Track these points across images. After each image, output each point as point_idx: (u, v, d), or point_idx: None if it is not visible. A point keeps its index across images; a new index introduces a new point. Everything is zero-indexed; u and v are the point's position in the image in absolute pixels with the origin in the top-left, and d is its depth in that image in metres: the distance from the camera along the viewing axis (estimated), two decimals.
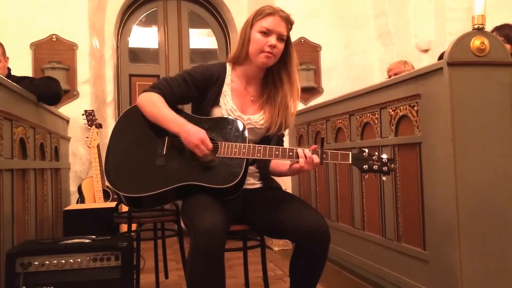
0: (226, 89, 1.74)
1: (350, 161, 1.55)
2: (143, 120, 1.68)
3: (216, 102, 1.72)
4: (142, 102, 1.67)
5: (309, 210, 1.56)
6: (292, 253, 1.62)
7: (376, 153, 1.57)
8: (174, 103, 1.70)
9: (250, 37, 1.69)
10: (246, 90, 1.77)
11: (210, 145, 1.56)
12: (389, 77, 3.30)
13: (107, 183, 1.63)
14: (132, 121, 1.70)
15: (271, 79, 1.78)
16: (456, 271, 1.74)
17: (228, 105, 1.72)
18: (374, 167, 1.55)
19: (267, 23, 1.67)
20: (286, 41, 1.73)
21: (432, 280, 1.92)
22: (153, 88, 1.69)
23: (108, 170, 1.64)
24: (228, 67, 1.78)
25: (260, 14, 1.69)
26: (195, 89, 1.71)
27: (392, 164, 1.56)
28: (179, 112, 1.72)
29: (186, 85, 1.70)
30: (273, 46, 1.66)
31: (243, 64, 1.75)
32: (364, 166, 1.55)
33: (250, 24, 1.70)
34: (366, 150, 1.57)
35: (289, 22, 1.72)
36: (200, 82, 1.71)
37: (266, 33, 1.66)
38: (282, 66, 1.75)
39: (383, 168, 1.55)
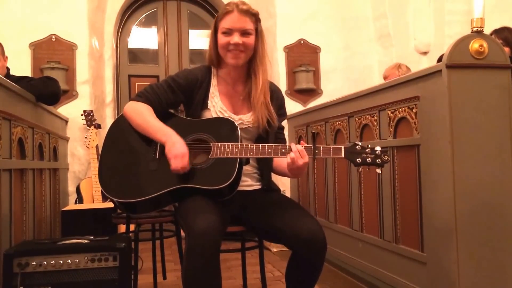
0: (214, 91, 1.74)
1: (343, 155, 1.53)
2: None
3: (204, 105, 1.72)
4: (128, 113, 1.68)
5: (306, 217, 1.54)
6: (288, 259, 1.62)
7: (369, 146, 1.55)
8: (162, 110, 1.70)
9: (216, 40, 1.69)
10: (234, 90, 1.76)
11: (187, 163, 1.54)
12: None
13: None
14: (124, 127, 1.70)
15: (249, 75, 1.76)
16: (454, 273, 1.74)
17: (217, 106, 1.72)
18: (367, 159, 1.53)
19: (226, 23, 1.66)
20: (257, 33, 1.70)
21: (430, 282, 1.92)
22: (139, 97, 1.69)
23: (102, 177, 1.65)
24: (213, 68, 1.78)
25: (220, 14, 1.69)
26: (181, 94, 1.72)
27: (386, 156, 1.53)
28: (171, 116, 1.72)
29: (171, 90, 1.70)
30: (236, 44, 1.64)
31: (221, 66, 1.75)
32: (357, 160, 1.53)
33: (214, 27, 1.70)
34: (360, 143, 1.55)
35: (251, 14, 1.67)
36: (184, 86, 1.71)
37: (228, 33, 1.65)
38: (253, 60, 1.73)
39: (377, 161, 1.53)
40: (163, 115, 1.70)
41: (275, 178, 1.87)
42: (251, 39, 1.68)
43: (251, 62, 1.72)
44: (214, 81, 1.75)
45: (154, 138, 1.63)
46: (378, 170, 1.55)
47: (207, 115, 1.72)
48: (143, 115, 1.65)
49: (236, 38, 1.64)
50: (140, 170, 1.62)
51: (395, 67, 3.39)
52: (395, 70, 3.35)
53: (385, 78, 3.40)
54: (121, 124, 1.72)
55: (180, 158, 1.53)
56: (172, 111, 1.78)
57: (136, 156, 1.65)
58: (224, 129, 1.63)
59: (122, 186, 1.62)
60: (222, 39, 1.67)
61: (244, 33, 1.66)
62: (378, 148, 1.54)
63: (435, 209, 1.88)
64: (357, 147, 1.54)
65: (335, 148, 1.54)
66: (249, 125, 1.73)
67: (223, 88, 1.76)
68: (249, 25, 1.67)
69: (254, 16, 1.69)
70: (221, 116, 1.70)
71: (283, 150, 1.56)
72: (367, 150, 1.54)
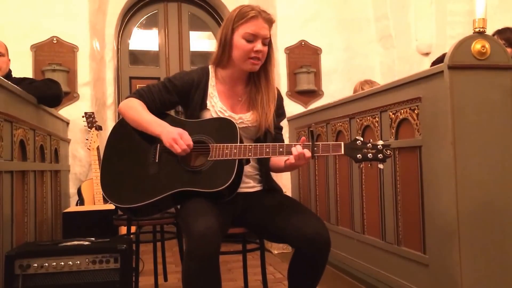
0: (212, 91, 1.73)
1: (343, 152, 1.48)
2: (133, 130, 1.69)
3: (203, 106, 1.72)
4: (123, 109, 1.70)
5: (310, 216, 1.54)
6: (291, 258, 1.61)
7: (371, 140, 1.49)
8: (155, 108, 1.70)
9: (232, 42, 1.65)
10: (233, 91, 1.76)
11: (189, 141, 1.55)
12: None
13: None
14: (123, 133, 1.71)
15: (252, 78, 1.76)
16: (456, 275, 1.73)
17: (217, 106, 1.71)
18: (368, 155, 1.46)
19: (251, 28, 1.62)
20: (271, 40, 1.70)
21: (432, 284, 1.91)
22: (133, 94, 1.72)
23: (104, 183, 1.65)
24: (211, 69, 1.77)
25: (242, 17, 1.63)
26: (176, 95, 1.72)
27: (388, 151, 1.47)
28: (171, 117, 1.73)
29: (166, 90, 1.71)
30: (258, 51, 1.63)
31: (227, 67, 1.73)
32: (357, 156, 1.47)
33: (231, 28, 1.65)
34: (360, 138, 1.50)
35: (271, 23, 1.67)
36: (180, 87, 1.71)
37: (251, 40, 1.62)
38: (266, 66, 1.73)
39: (378, 156, 1.46)
40: (163, 117, 1.70)
41: (276, 179, 1.87)
42: (267, 48, 1.68)
43: (260, 67, 1.71)
44: (212, 82, 1.75)
45: (148, 131, 1.64)
46: (381, 166, 1.49)
47: (207, 115, 1.71)
48: (136, 110, 1.67)
49: (259, 46, 1.63)
50: (140, 175, 1.62)
51: (359, 84, 3.26)
52: (358, 87, 3.23)
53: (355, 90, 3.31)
54: (120, 130, 1.74)
55: (179, 139, 1.54)
56: (172, 113, 1.79)
57: (136, 161, 1.65)
58: (223, 129, 1.62)
59: (123, 192, 1.62)
60: (243, 44, 1.63)
61: (265, 41, 1.66)
62: (379, 143, 1.49)
63: (437, 210, 1.87)
64: (357, 142, 1.49)
65: (335, 144, 1.50)
66: (249, 124, 1.73)
67: (222, 88, 1.75)
68: (269, 33, 1.66)
69: (271, 25, 1.68)
70: (221, 115, 1.70)
71: (281, 149, 1.54)
72: (368, 145, 1.48)
